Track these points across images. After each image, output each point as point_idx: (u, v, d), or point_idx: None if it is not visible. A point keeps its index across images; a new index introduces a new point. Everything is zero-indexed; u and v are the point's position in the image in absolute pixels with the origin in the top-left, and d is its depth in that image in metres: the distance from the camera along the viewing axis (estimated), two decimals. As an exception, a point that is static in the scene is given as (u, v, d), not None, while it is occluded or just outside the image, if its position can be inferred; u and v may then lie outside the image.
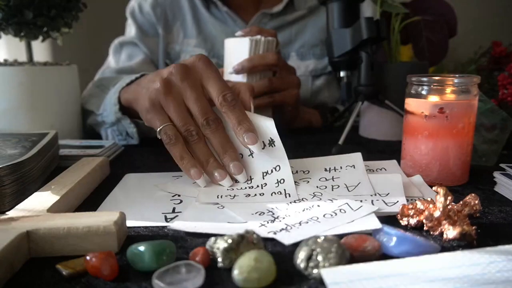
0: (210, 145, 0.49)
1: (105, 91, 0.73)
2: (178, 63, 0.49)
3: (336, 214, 0.39)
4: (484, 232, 0.36)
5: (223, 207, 0.42)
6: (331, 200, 0.42)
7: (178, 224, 0.37)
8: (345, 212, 0.39)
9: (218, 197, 0.44)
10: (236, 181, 0.48)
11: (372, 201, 0.42)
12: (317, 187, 0.47)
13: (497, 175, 0.47)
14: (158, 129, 0.48)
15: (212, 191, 0.46)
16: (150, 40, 0.94)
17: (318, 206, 0.41)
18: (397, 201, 0.41)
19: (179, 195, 0.46)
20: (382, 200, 0.42)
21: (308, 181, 0.48)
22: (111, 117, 0.65)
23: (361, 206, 0.40)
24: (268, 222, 0.38)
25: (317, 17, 0.95)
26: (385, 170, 0.53)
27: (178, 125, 0.47)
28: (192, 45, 0.93)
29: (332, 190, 0.46)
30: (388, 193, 0.44)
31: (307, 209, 0.41)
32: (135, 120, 0.66)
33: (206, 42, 0.93)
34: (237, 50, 0.70)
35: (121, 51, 0.95)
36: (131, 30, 0.95)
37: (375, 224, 0.35)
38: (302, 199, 0.43)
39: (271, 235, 0.35)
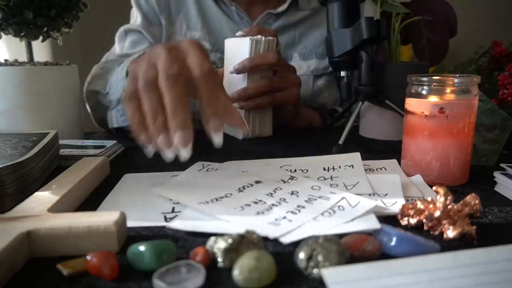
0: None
1: (109, 72, 0.74)
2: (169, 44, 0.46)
3: (334, 212, 0.39)
4: (484, 232, 0.36)
5: None
6: (329, 194, 0.43)
7: (178, 224, 0.37)
8: (343, 209, 0.39)
9: (201, 203, 0.41)
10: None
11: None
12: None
13: (497, 175, 0.47)
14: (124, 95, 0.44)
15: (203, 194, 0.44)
16: (154, 29, 0.94)
17: (315, 199, 0.41)
18: (396, 202, 0.41)
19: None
20: (381, 200, 0.42)
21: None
22: (117, 93, 0.66)
23: (359, 202, 0.40)
24: (263, 211, 0.39)
25: (319, 18, 0.95)
26: (385, 169, 0.53)
27: (140, 80, 0.42)
28: (195, 37, 0.93)
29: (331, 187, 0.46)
30: (387, 194, 0.44)
31: (306, 201, 0.41)
32: None
33: (210, 36, 0.93)
34: (237, 50, 0.70)
35: (125, 38, 0.95)
36: (137, 18, 0.95)
37: (374, 224, 0.35)
38: (294, 192, 0.44)
39: (272, 230, 0.35)
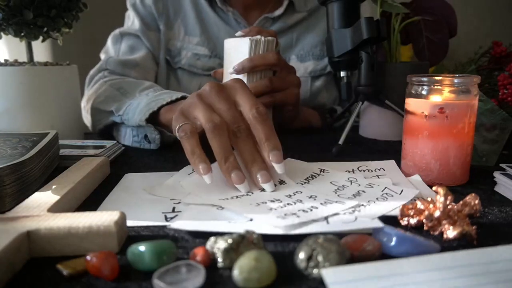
0: (237, 156, 0.47)
1: (126, 95, 0.73)
2: (213, 82, 0.50)
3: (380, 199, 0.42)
4: (484, 232, 0.36)
5: (223, 208, 0.42)
6: (370, 186, 0.46)
7: (179, 224, 0.37)
8: (391, 196, 0.43)
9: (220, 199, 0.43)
10: (263, 190, 0.46)
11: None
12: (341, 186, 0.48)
13: (497, 175, 0.47)
14: (177, 127, 0.46)
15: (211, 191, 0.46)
16: (152, 34, 0.93)
17: (331, 203, 0.41)
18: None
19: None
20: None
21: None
22: (133, 121, 0.66)
23: (403, 190, 0.44)
24: (277, 209, 0.40)
25: (316, 20, 0.95)
26: (384, 170, 0.53)
27: (202, 120, 0.45)
28: (193, 43, 0.93)
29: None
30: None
31: (321, 203, 0.41)
32: (159, 128, 0.66)
33: (209, 42, 0.93)
34: (237, 50, 0.70)
35: (121, 41, 0.93)
36: (134, 22, 0.94)
37: (376, 223, 0.35)
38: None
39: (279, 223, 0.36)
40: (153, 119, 0.64)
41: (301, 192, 0.45)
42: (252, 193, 0.45)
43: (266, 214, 0.39)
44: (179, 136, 0.46)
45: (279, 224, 0.36)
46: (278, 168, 0.46)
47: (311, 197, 0.43)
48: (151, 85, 0.75)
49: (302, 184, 0.47)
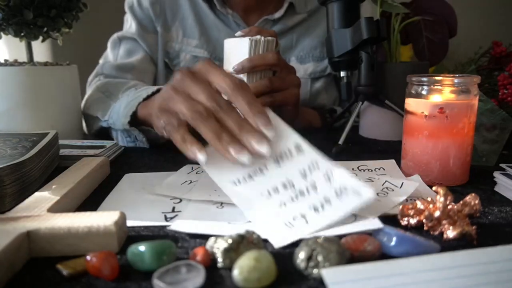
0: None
1: (111, 97, 0.73)
2: (184, 68, 0.48)
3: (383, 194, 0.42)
4: (484, 232, 0.36)
5: (223, 206, 0.42)
6: (370, 180, 0.46)
7: (179, 225, 0.37)
8: (391, 191, 0.42)
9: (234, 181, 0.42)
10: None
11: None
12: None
13: (497, 175, 0.47)
14: (162, 123, 0.45)
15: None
16: (149, 36, 0.93)
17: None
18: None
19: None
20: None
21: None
22: (119, 124, 0.66)
23: (403, 183, 0.44)
24: (286, 203, 0.39)
25: (316, 21, 0.95)
26: (384, 169, 0.53)
27: (184, 111, 0.43)
28: (192, 45, 0.93)
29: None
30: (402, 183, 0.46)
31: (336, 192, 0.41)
32: (144, 128, 0.66)
33: (208, 44, 0.93)
34: (237, 50, 0.70)
35: (119, 45, 0.94)
36: (131, 25, 0.94)
37: (376, 223, 0.35)
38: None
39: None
40: (135, 118, 0.64)
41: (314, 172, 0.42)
42: (267, 168, 0.42)
43: (270, 218, 0.38)
44: (167, 131, 0.44)
45: (282, 242, 0.34)
46: (267, 132, 0.42)
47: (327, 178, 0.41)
48: (135, 84, 0.75)
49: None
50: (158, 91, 0.63)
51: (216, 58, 0.93)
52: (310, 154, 0.42)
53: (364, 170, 0.53)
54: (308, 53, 0.95)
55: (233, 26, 0.93)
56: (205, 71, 0.46)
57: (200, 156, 0.41)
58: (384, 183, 0.45)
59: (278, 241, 0.35)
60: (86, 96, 0.83)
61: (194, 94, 0.44)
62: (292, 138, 0.43)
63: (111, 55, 0.94)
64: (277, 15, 0.92)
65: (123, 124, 0.64)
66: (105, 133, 0.76)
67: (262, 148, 0.41)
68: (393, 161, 0.56)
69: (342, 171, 0.39)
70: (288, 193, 0.40)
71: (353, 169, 0.53)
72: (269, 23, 0.93)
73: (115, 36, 0.95)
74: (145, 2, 0.93)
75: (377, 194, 0.42)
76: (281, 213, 0.38)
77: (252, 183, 0.42)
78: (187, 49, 0.93)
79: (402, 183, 0.45)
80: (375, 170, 0.53)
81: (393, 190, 0.43)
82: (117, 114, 0.67)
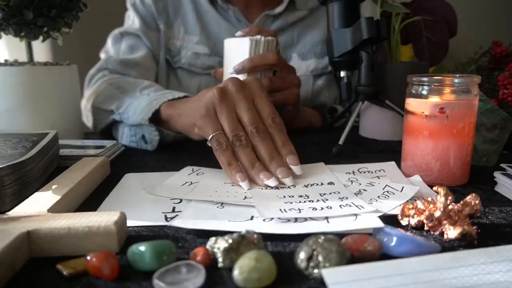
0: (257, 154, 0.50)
1: (126, 93, 0.73)
2: (234, 78, 0.53)
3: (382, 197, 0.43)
4: (484, 232, 0.36)
5: (223, 206, 0.42)
6: (371, 184, 0.47)
7: (179, 222, 0.37)
8: (392, 194, 0.43)
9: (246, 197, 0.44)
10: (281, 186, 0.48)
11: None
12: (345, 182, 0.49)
13: (497, 175, 0.47)
14: (210, 136, 0.50)
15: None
16: (152, 33, 0.93)
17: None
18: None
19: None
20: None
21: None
22: (134, 120, 0.65)
23: (404, 187, 0.45)
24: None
25: (317, 18, 0.95)
26: (384, 171, 0.53)
27: (227, 130, 0.50)
28: (194, 41, 0.93)
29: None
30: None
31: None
32: (159, 128, 0.65)
33: (209, 40, 0.93)
34: (237, 50, 0.70)
35: (121, 41, 0.93)
36: (134, 21, 0.94)
37: (377, 223, 0.35)
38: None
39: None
40: (154, 118, 0.64)
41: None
42: (290, 188, 0.47)
43: (270, 202, 0.41)
44: (214, 147, 0.50)
45: (276, 215, 0.38)
46: (295, 170, 0.49)
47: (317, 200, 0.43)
48: (151, 84, 0.75)
49: (346, 186, 0.47)
50: (185, 97, 0.64)
51: (216, 54, 0.92)
52: (339, 187, 0.46)
53: (364, 172, 0.53)
54: (310, 50, 0.94)
55: (233, 21, 0.93)
56: (253, 89, 0.53)
57: (244, 185, 0.47)
58: (385, 187, 0.46)
59: (264, 214, 0.38)
60: (92, 90, 0.82)
61: (239, 109, 0.52)
62: (329, 178, 0.49)
63: (112, 49, 0.93)
64: (278, 10, 0.92)
65: (142, 119, 0.63)
66: (111, 130, 0.76)
67: (286, 181, 0.48)
68: (393, 163, 0.55)
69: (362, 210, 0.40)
70: (299, 199, 0.43)
71: (353, 171, 0.53)
72: (270, 18, 0.93)
73: (116, 31, 0.94)
74: None
75: (378, 197, 0.43)
76: (283, 204, 0.41)
77: (276, 190, 0.46)
78: (188, 46, 0.93)
79: (403, 187, 0.45)
80: (375, 172, 0.53)
81: (393, 194, 0.44)
82: (134, 110, 0.66)
